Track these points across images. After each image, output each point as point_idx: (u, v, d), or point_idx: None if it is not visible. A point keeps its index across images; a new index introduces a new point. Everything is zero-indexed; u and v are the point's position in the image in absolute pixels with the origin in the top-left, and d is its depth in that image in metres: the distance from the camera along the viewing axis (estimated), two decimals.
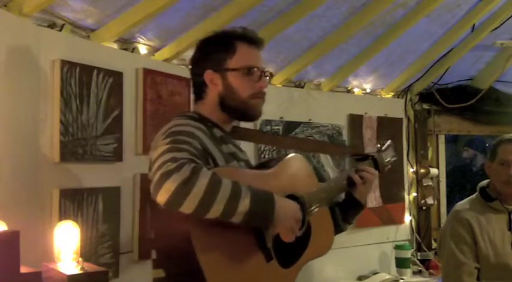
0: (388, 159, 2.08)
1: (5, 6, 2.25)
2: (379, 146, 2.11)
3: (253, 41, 1.78)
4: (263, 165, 1.77)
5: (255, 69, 1.75)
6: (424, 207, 4.40)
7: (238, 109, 1.76)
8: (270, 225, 1.52)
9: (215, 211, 1.40)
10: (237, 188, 1.43)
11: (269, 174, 1.68)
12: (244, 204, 1.42)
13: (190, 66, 1.83)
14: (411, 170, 4.38)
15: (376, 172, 1.94)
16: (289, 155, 1.78)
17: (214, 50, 1.76)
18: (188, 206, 1.37)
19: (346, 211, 1.94)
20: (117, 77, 2.62)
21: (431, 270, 4.17)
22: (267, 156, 3.35)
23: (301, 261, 1.71)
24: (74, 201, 2.37)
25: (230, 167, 1.67)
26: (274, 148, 3.34)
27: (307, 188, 1.74)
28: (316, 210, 1.73)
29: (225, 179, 1.43)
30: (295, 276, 1.70)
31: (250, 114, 1.78)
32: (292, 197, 1.64)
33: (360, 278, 3.94)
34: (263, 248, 1.57)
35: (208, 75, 1.73)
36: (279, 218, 1.50)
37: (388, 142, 2.13)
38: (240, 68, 1.73)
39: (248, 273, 1.53)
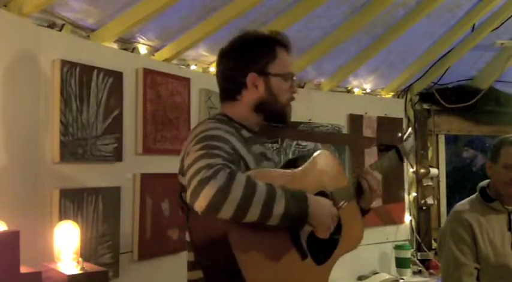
0: (410, 147, 2.15)
1: (5, 6, 2.25)
2: (400, 135, 2.14)
3: (288, 46, 1.81)
4: (291, 164, 1.79)
5: (293, 75, 1.80)
6: (424, 207, 4.40)
7: (276, 113, 1.79)
8: (306, 224, 1.55)
9: (252, 215, 1.42)
10: (272, 191, 1.46)
11: (298, 172, 1.70)
12: (280, 206, 1.45)
13: (224, 66, 1.78)
14: (411, 170, 4.38)
15: (380, 176, 1.92)
16: (317, 152, 1.81)
17: (256, 53, 1.75)
18: (226, 212, 1.39)
19: None
20: (117, 77, 2.62)
21: (431, 270, 4.17)
22: None
23: (334, 257, 1.74)
24: (74, 201, 2.37)
25: (262, 169, 1.68)
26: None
27: (337, 184, 1.78)
28: (345, 205, 1.76)
29: (260, 182, 1.45)
30: (329, 272, 1.73)
31: (285, 118, 1.82)
32: (322, 193, 1.67)
33: (360, 278, 3.95)
34: (298, 246, 1.60)
35: (252, 78, 1.72)
36: (314, 216, 1.53)
37: (409, 131, 2.19)
38: (283, 74, 1.76)
39: (285, 272, 1.56)
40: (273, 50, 1.76)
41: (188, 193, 1.44)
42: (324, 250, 1.70)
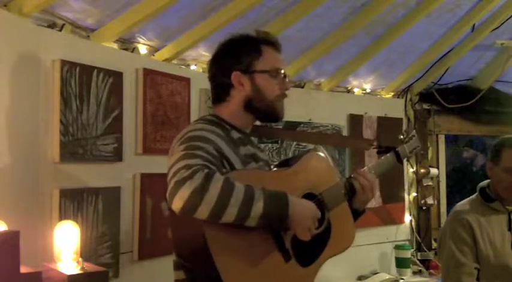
0: (412, 149, 2.11)
1: (5, 6, 2.26)
2: (402, 137, 2.11)
3: (275, 44, 1.81)
4: (284, 164, 1.78)
5: (281, 71, 1.78)
6: (424, 207, 4.40)
7: (265, 110, 1.78)
8: (286, 226, 1.54)
9: (229, 216, 1.42)
10: (250, 192, 1.45)
11: (288, 173, 1.70)
12: (257, 207, 1.44)
13: (212, 70, 1.81)
14: (411, 170, 4.38)
15: (374, 178, 1.89)
16: (308, 153, 1.80)
17: (240, 52, 1.76)
18: (202, 212, 1.40)
19: None
20: (117, 77, 2.62)
21: (431, 270, 4.17)
22: None
23: (321, 259, 1.72)
24: (74, 201, 2.37)
25: (247, 169, 1.67)
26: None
27: (328, 184, 1.76)
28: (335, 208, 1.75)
29: (238, 184, 1.44)
30: (314, 275, 1.71)
31: (276, 115, 1.80)
32: (310, 195, 1.66)
33: (360, 278, 3.95)
34: (281, 248, 1.58)
35: (236, 76, 1.74)
36: (294, 218, 1.52)
37: (412, 133, 2.16)
38: (269, 70, 1.75)
39: (266, 275, 1.54)
40: (257, 47, 1.76)
41: (167, 193, 1.45)
42: (311, 252, 1.68)
